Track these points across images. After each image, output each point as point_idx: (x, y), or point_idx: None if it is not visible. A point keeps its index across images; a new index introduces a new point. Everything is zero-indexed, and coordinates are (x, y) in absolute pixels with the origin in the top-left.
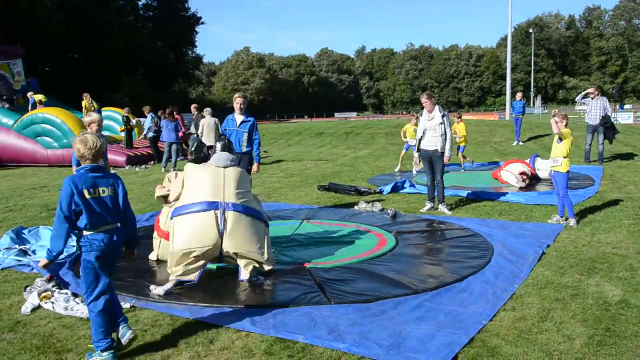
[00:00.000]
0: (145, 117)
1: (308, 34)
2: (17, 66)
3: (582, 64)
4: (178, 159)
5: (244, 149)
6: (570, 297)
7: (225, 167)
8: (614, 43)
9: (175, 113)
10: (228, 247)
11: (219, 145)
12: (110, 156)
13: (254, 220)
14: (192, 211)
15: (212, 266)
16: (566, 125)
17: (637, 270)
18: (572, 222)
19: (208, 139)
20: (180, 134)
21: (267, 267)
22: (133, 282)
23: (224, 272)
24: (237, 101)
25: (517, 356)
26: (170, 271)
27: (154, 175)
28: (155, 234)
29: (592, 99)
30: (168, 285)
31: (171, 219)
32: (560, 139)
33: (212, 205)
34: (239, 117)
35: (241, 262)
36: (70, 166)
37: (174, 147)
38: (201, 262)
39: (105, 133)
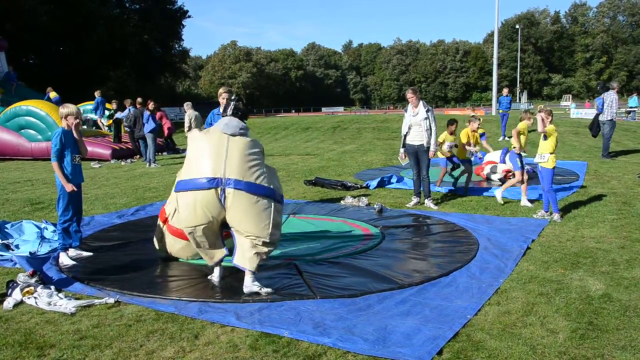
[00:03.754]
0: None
1: (295, 29)
2: None
3: (568, 60)
4: (164, 154)
5: None
6: (554, 292)
7: (232, 134)
8: (599, 40)
9: (156, 108)
10: (229, 221)
11: (232, 105)
12: (95, 149)
13: (256, 197)
14: (193, 189)
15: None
16: (551, 122)
17: (619, 265)
18: (556, 217)
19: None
20: (167, 128)
21: (265, 248)
22: (118, 277)
23: (208, 267)
24: (223, 96)
25: (501, 350)
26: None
27: (139, 170)
28: (159, 223)
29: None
30: (216, 273)
31: (175, 192)
32: (546, 136)
33: (212, 183)
34: None
35: (239, 243)
36: None
37: (147, 138)
38: (216, 236)
39: (84, 127)
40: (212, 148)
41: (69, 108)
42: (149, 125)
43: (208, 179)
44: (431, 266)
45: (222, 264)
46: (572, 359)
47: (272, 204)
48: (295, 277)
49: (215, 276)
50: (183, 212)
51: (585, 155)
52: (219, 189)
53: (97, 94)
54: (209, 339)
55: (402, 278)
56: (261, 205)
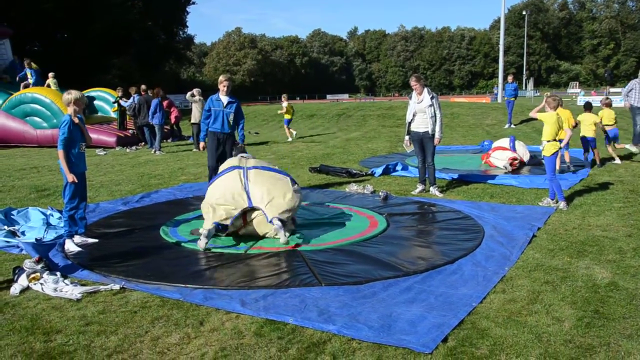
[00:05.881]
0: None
1: (300, 15)
2: (4, 46)
3: (575, 47)
4: (169, 140)
5: (229, 130)
6: (560, 280)
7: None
8: (607, 26)
9: (163, 97)
10: (254, 197)
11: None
12: (100, 137)
13: (274, 173)
14: (221, 174)
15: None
16: (556, 108)
17: (626, 253)
18: (562, 205)
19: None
20: (173, 116)
21: (291, 204)
22: (123, 263)
23: (212, 254)
24: (224, 84)
25: (506, 338)
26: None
27: (144, 157)
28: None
29: None
30: (207, 230)
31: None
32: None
33: (236, 167)
34: (224, 98)
35: (268, 209)
36: None
37: (155, 127)
38: (231, 212)
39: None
40: (232, 161)
41: (74, 94)
42: (158, 116)
43: (233, 166)
44: (436, 254)
45: (233, 251)
46: (578, 347)
47: (289, 181)
48: (300, 265)
49: (204, 231)
50: (213, 192)
51: None
52: (241, 171)
53: (26, 63)
54: (213, 326)
55: (407, 265)
56: (280, 180)
